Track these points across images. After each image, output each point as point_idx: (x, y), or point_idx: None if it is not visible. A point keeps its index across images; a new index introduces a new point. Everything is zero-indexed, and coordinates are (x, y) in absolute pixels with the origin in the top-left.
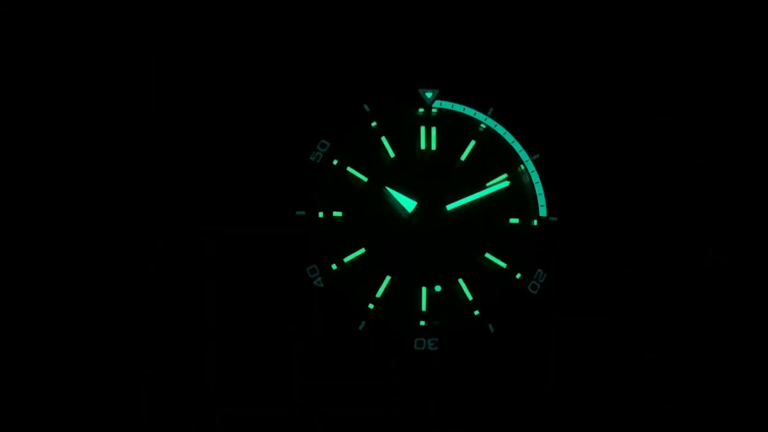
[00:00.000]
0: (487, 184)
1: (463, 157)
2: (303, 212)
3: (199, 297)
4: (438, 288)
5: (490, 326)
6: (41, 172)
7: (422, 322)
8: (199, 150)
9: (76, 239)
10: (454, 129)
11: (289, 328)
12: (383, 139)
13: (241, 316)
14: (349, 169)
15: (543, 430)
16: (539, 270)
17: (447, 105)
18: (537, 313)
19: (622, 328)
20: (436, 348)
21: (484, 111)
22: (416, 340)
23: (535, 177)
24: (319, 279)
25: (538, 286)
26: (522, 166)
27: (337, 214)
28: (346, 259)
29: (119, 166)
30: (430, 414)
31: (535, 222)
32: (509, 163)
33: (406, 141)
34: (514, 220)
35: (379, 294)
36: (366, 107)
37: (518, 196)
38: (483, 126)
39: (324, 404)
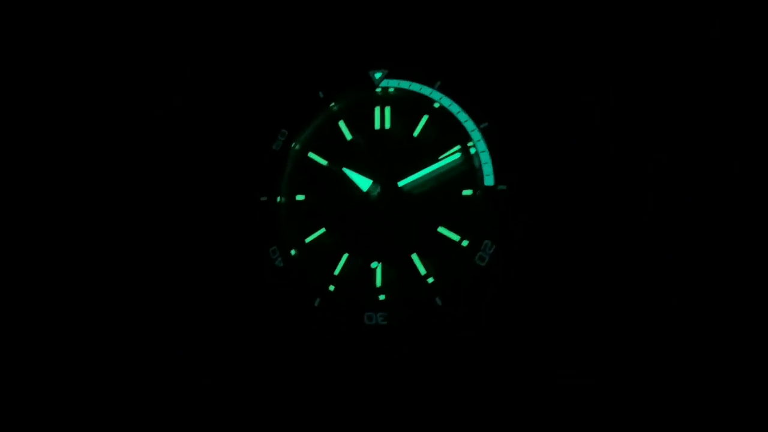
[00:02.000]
0: (440, 158)
1: (415, 133)
2: (265, 198)
3: (166, 277)
4: (392, 263)
5: (438, 300)
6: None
7: (382, 296)
8: (167, 142)
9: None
10: (407, 107)
11: (249, 305)
12: (340, 123)
13: (205, 297)
14: (310, 154)
15: (490, 405)
16: (487, 241)
17: (395, 83)
18: (485, 285)
19: (573, 302)
20: (385, 322)
21: (431, 85)
22: (366, 315)
23: (482, 146)
24: (279, 259)
25: (486, 258)
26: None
27: (300, 197)
28: (308, 240)
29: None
30: (378, 388)
31: (481, 192)
32: (461, 136)
33: (361, 123)
34: (467, 192)
35: (336, 271)
36: (321, 94)
37: (470, 168)
38: (437, 104)
39: (277, 379)
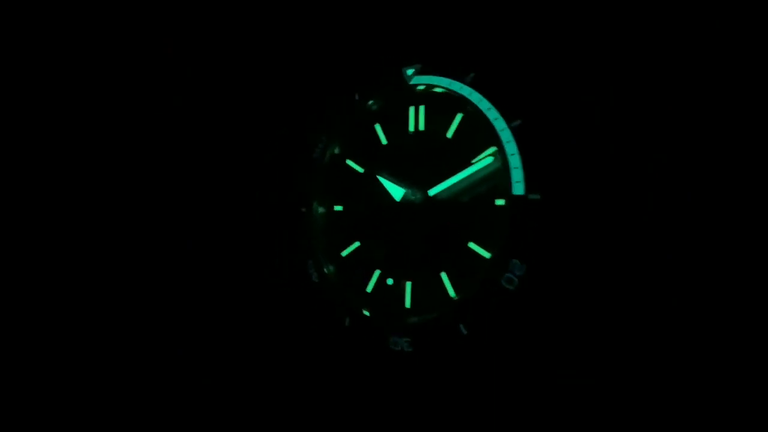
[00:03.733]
0: (473, 161)
1: (449, 134)
2: (305, 209)
3: (201, 291)
4: (422, 282)
5: (462, 327)
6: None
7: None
8: (201, 153)
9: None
10: (441, 106)
11: (281, 318)
12: (376, 126)
13: (240, 312)
14: (347, 161)
15: None
16: (515, 261)
17: (426, 80)
18: (512, 312)
19: (612, 336)
20: (410, 349)
21: (463, 80)
22: (392, 339)
23: (512, 148)
24: (315, 274)
25: (515, 280)
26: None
27: (338, 207)
28: (344, 253)
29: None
30: (395, 416)
31: (506, 201)
32: (493, 136)
33: (396, 124)
34: (500, 202)
35: (369, 288)
36: (356, 96)
37: (504, 174)
38: (470, 107)
39: (294, 398)
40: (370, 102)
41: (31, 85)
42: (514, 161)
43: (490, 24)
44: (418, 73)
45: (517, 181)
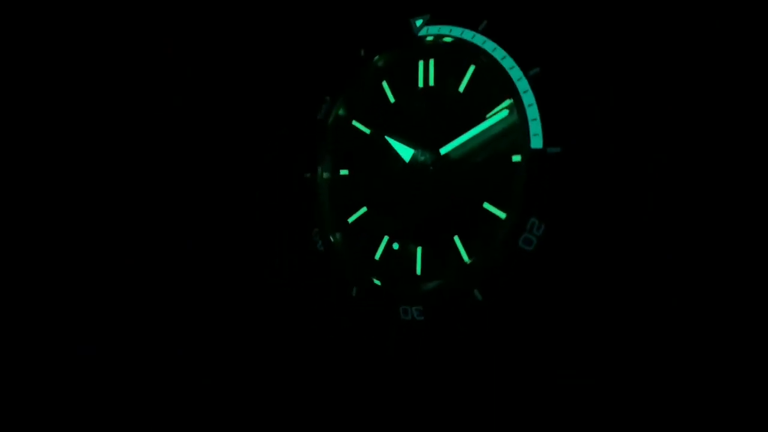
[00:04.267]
0: (488, 115)
1: (461, 88)
2: (309, 174)
3: (205, 264)
4: (433, 247)
5: (477, 293)
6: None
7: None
8: (199, 115)
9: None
10: (452, 58)
11: (287, 289)
12: (384, 83)
13: (244, 286)
14: (354, 122)
15: (527, 410)
16: (533, 219)
17: (435, 30)
18: (531, 275)
19: (635, 300)
20: (421, 317)
21: (475, 28)
22: (402, 308)
23: (530, 98)
24: (320, 242)
25: (534, 240)
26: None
27: (344, 172)
28: (350, 219)
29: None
30: (408, 388)
31: (523, 156)
32: (509, 88)
33: (405, 81)
34: (517, 158)
35: (377, 256)
36: (362, 52)
37: (522, 127)
38: (484, 57)
39: (303, 372)
40: (376, 58)
41: (30, 84)
42: (532, 112)
43: None
44: (426, 23)
45: (535, 134)
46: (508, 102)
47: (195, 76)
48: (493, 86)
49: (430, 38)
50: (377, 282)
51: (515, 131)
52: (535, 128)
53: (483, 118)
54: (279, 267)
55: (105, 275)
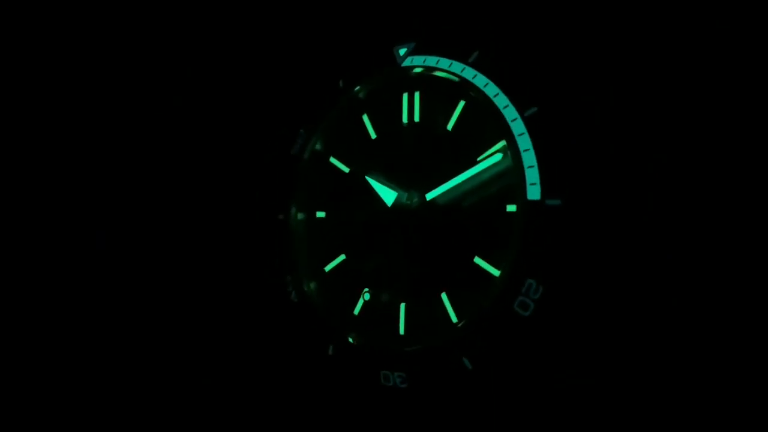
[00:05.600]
0: (479, 158)
1: (449, 126)
2: (283, 216)
3: (164, 314)
4: (419, 304)
5: (466, 361)
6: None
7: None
8: (170, 148)
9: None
10: (440, 92)
11: (256, 343)
12: (364, 117)
13: (208, 337)
14: (331, 159)
15: None
16: (530, 281)
17: (420, 60)
18: (527, 343)
19: (647, 370)
20: (404, 385)
21: (464, 59)
22: (383, 373)
23: (526, 142)
24: (294, 293)
25: (530, 304)
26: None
27: (321, 214)
28: (327, 268)
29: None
30: None
31: (519, 207)
32: (503, 128)
33: (387, 115)
34: (512, 208)
35: (356, 311)
36: (341, 83)
37: (516, 174)
38: (474, 93)
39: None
40: (357, 89)
41: (27, 83)
42: (529, 158)
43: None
44: (411, 52)
45: (532, 183)
46: (501, 144)
47: (155, 100)
48: (486, 126)
49: (417, 70)
50: (353, 341)
51: (510, 177)
52: (532, 176)
53: (474, 162)
54: (247, 319)
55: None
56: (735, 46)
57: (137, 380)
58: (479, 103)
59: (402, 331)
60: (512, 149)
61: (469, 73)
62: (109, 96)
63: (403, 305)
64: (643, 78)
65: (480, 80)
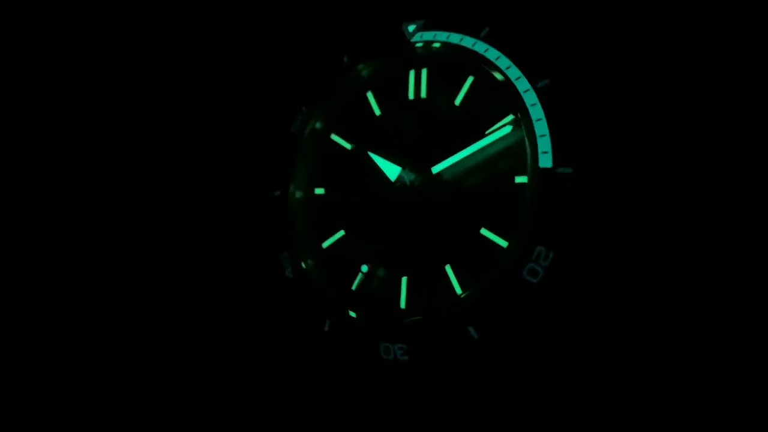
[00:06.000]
0: (487, 132)
1: (458, 101)
2: (279, 192)
3: (162, 286)
4: (421, 276)
5: (472, 330)
6: None
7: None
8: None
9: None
10: (448, 67)
11: (251, 323)
12: (368, 94)
13: (203, 316)
14: (332, 136)
15: None
16: (540, 248)
17: (431, 36)
18: (536, 311)
19: (654, 338)
20: (406, 357)
21: (476, 34)
22: (383, 346)
23: (538, 112)
24: (290, 269)
25: (540, 271)
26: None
27: (319, 191)
28: (325, 244)
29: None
30: None
31: (529, 178)
32: (514, 101)
33: (393, 92)
34: (521, 179)
35: (354, 286)
36: (345, 59)
37: (529, 144)
38: (484, 66)
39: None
40: (361, 66)
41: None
42: (541, 128)
43: None
44: (420, 29)
45: (543, 152)
46: (510, 117)
47: (155, 77)
48: (495, 99)
49: (423, 45)
50: (353, 314)
51: (519, 150)
52: (544, 145)
53: (482, 135)
54: (242, 295)
55: None
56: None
57: (133, 362)
58: (489, 76)
59: (403, 305)
60: (524, 119)
61: (480, 47)
62: (97, 75)
63: (404, 279)
64: (654, 50)
65: (491, 53)
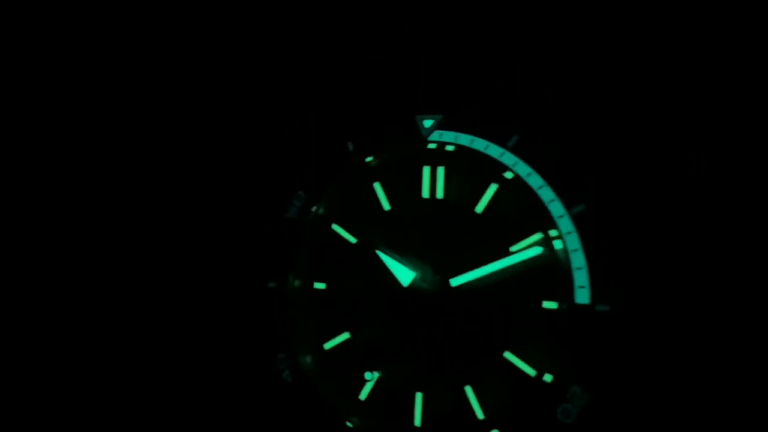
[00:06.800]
0: (512, 249)
1: (479, 209)
2: (274, 284)
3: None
4: (438, 395)
5: None
6: None
7: None
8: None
9: None
10: (468, 169)
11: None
12: (376, 185)
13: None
14: (334, 227)
15: None
16: (575, 387)
17: (451, 137)
18: None
19: None
20: None
21: (502, 143)
22: None
23: (574, 242)
24: (288, 372)
25: (573, 412)
26: (554, 230)
27: (319, 285)
28: (327, 346)
29: None
30: None
31: (569, 309)
32: (544, 221)
33: (404, 186)
34: (550, 305)
35: (363, 396)
36: (350, 145)
37: (557, 269)
38: (509, 174)
39: None
40: (369, 159)
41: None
42: (577, 259)
43: (542, 64)
44: (438, 126)
45: (581, 287)
46: (538, 236)
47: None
48: (525, 213)
49: (446, 147)
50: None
51: (548, 273)
52: (581, 279)
53: (506, 251)
54: (234, 402)
55: None
56: None
57: None
58: (521, 189)
59: (418, 423)
60: (563, 249)
61: (508, 159)
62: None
63: (419, 395)
64: (695, 174)
65: (522, 169)
